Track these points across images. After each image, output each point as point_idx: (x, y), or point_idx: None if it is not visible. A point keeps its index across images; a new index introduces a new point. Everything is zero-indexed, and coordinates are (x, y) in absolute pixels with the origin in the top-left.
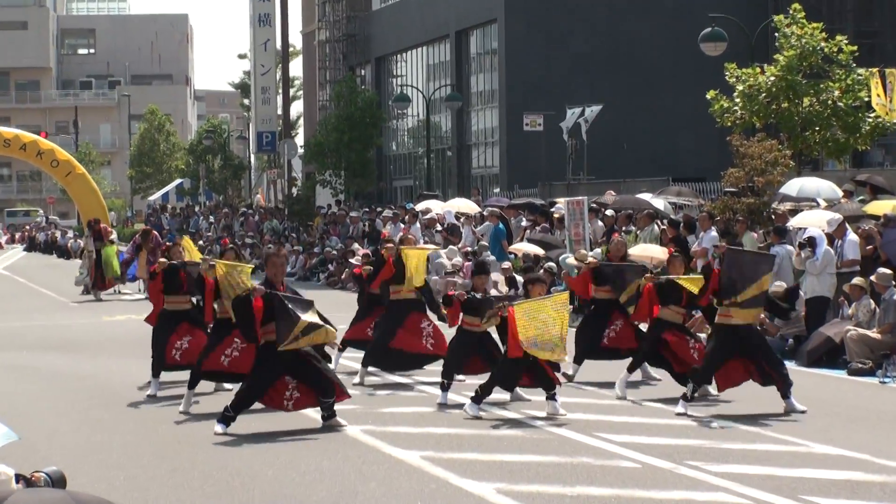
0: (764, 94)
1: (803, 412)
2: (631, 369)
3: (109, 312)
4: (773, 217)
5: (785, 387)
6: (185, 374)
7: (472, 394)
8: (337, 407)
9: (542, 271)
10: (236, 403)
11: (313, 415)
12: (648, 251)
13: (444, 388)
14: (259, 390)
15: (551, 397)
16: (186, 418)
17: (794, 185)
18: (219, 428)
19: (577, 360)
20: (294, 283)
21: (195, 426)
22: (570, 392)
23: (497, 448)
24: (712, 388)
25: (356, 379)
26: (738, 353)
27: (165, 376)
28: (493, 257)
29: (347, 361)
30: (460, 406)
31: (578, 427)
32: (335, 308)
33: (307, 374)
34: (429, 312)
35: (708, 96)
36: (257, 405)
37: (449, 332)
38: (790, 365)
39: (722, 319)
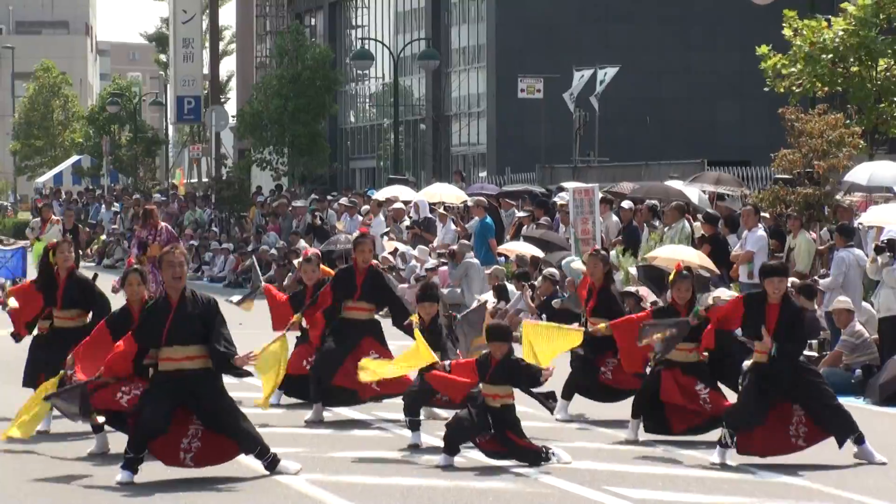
0: (830, 55)
1: (883, 464)
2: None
3: None
4: (835, 213)
5: (845, 433)
6: None
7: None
8: (276, 450)
9: (540, 278)
10: (133, 439)
11: (247, 460)
12: (677, 254)
13: (413, 426)
14: (156, 419)
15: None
16: (85, 461)
17: (864, 172)
18: (122, 476)
19: (566, 395)
20: (223, 291)
21: (97, 469)
22: (575, 435)
23: None
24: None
25: (309, 416)
26: (783, 395)
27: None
28: (475, 261)
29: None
30: (436, 449)
31: (584, 478)
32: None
33: (213, 417)
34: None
35: (758, 51)
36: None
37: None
38: (858, 402)
39: (756, 356)
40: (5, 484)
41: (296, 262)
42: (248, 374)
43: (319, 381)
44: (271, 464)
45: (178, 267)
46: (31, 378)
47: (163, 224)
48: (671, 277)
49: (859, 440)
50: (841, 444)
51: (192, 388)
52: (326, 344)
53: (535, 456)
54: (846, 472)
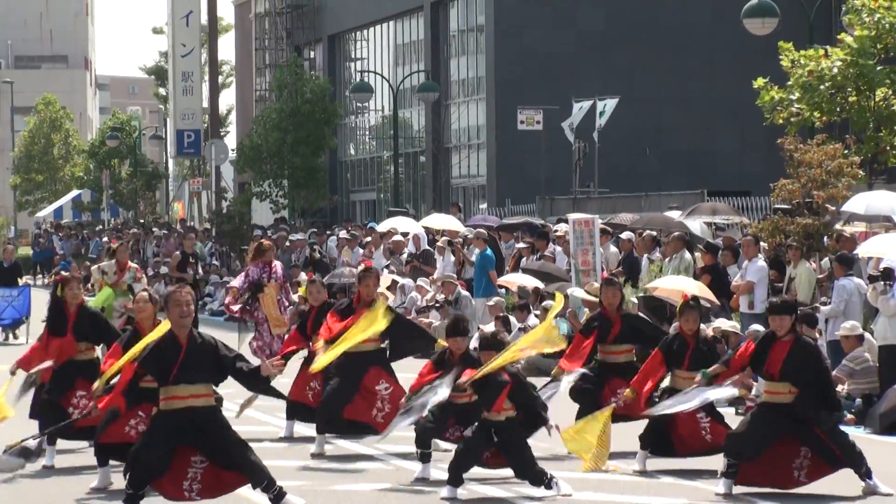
0: (828, 84)
1: (888, 495)
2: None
3: None
4: (838, 242)
5: (860, 466)
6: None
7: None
8: (279, 483)
9: (541, 310)
10: (132, 478)
11: (250, 493)
12: (678, 284)
13: (423, 458)
14: (156, 462)
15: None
16: (87, 497)
17: (861, 202)
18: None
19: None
20: (223, 325)
21: None
22: (577, 464)
23: None
24: None
25: (314, 448)
26: (787, 429)
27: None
28: (465, 293)
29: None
30: (442, 482)
31: None
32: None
33: (221, 452)
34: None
35: (755, 85)
36: None
37: None
38: (857, 432)
39: (766, 397)
40: None
41: (294, 297)
42: (281, 395)
43: (329, 415)
44: (277, 497)
45: (185, 306)
46: (41, 410)
47: (276, 262)
48: (679, 307)
49: (866, 475)
50: (864, 476)
51: (200, 424)
52: (334, 378)
53: (538, 476)
54: (845, 502)
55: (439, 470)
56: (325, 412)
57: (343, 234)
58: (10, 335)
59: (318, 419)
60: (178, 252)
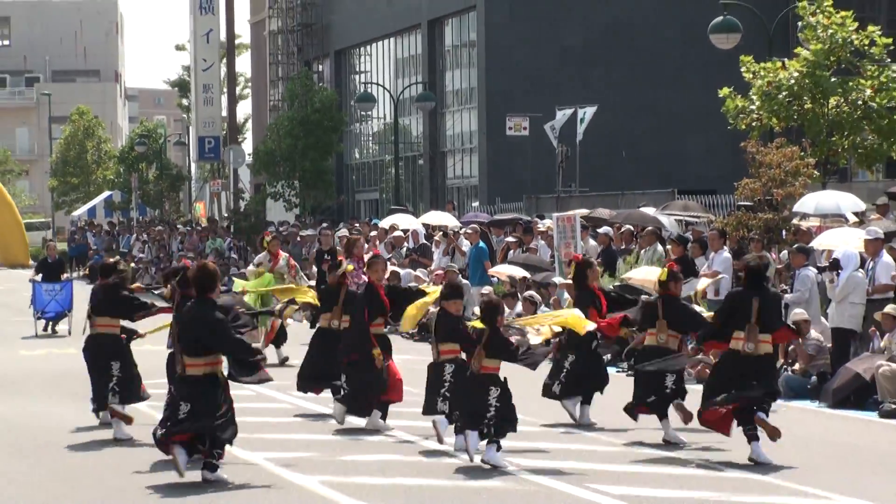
0: (785, 93)
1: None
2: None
3: (29, 347)
4: (795, 235)
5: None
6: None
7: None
8: (291, 454)
9: (521, 301)
10: (161, 445)
11: (266, 464)
12: (650, 274)
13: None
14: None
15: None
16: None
17: (811, 201)
18: (210, 475)
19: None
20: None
21: (133, 478)
22: (561, 438)
23: (475, 502)
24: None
25: (336, 420)
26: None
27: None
28: (466, 282)
29: (308, 403)
30: (437, 452)
31: (569, 478)
32: (289, 345)
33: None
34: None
35: (720, 94)
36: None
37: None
38: (813, 406)
39: (736, 344)
40: (44, 494)
41: (364, 278)
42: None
43: (373, 396)
44: (213, 468)
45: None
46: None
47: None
48: (666, 273)
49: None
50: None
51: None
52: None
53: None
54: (805, 469)
55: (433, 442)
56: (372, 393)
57: (344, 231)
58: (54, 328)
59: (366, 399)
60: (314, 249)
